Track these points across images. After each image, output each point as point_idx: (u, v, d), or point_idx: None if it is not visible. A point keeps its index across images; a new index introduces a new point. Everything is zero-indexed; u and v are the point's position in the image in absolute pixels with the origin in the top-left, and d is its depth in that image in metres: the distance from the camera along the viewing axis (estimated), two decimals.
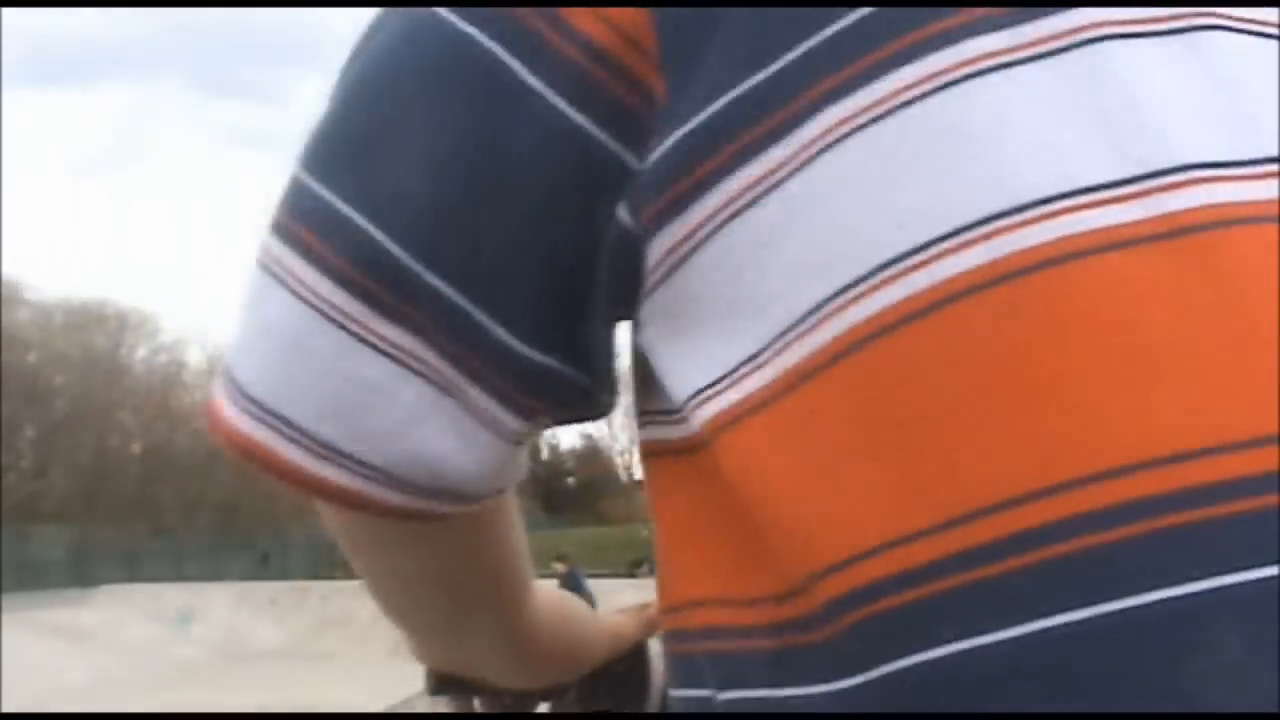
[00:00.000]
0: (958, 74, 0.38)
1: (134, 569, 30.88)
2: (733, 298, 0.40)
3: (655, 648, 0.73)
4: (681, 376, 0.42)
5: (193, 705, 12.78)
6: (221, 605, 19.62)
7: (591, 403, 0.47)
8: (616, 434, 76.10)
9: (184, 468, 46.33)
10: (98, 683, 15.04)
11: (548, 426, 0.48)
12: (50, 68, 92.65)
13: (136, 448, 47.91)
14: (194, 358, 53.04)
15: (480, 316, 0.43)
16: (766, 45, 0.40)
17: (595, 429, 76.11)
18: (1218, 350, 0.35)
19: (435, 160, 0.42)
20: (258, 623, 19.16)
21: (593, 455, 76.75)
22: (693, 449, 0.44)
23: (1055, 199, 0.36)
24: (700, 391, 0.41)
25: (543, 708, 0.70)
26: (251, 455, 0.46)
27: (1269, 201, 0.36)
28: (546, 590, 0.63)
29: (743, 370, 0.40)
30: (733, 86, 0.40)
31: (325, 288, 0.43)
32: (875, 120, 0.38)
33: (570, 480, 75.30)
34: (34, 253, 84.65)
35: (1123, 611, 0.33)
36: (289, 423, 0.44)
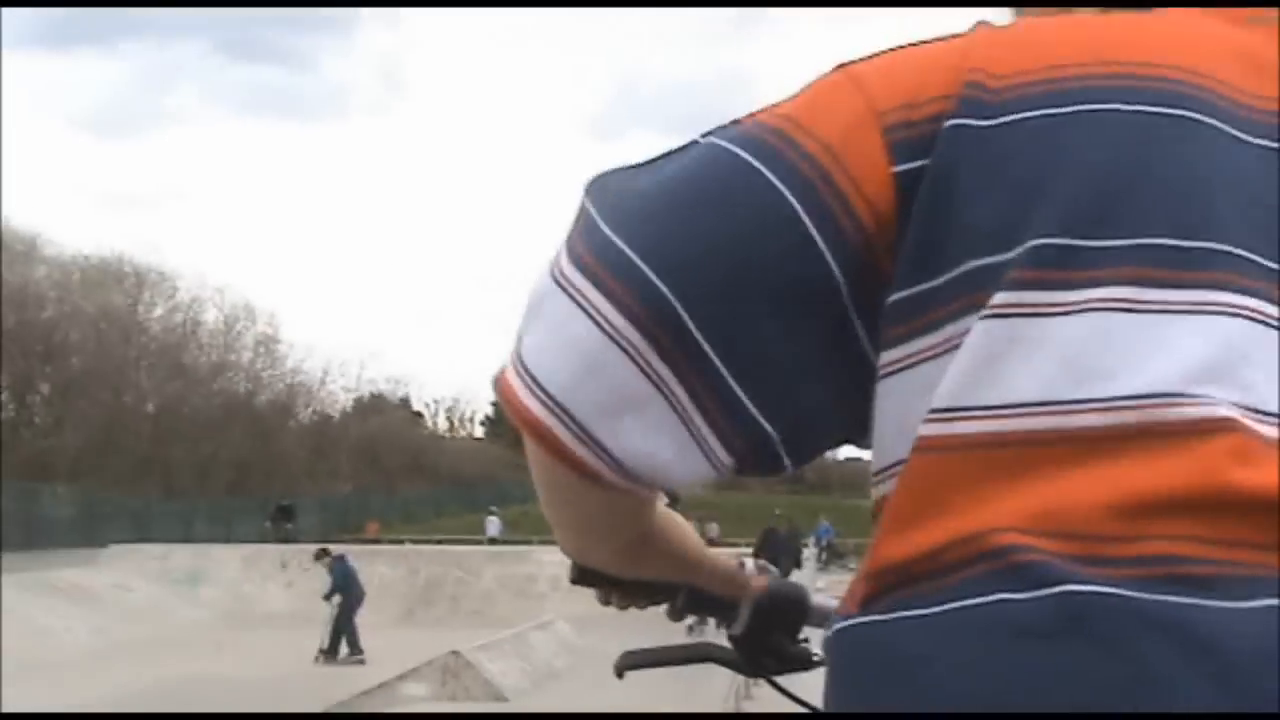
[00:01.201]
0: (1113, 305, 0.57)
1: (143, 529, 30.65)
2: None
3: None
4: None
5: (196, 668, 12.45)
6: (231, 567, 19.33)
7: (780, 467, 0.66)
8: None
9: (197, 428, 46.15)
10: (103, 643, 14.74)
11: (744, 471, 0.65)
12: (72, 29, 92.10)
13: (150, 407, 47.71)
14: (210, 317, 52.91)
15: (731, 381, 0.61)
16: (971, 245, 0.59)
17: None
18: None
19: (727, 254, 0.61)
20: (267, 586, 18.88)
21: None
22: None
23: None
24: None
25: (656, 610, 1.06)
26: (538, 433, 0.63)
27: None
28: (663, 510, 0.86)
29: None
30: (956, 267, 0.59)
31: (620, 323, 0.60)
32: (1056, 316, 0.57)
33: None
34: (53, 209, 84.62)
35: None
36: (572, 417, 0.62)
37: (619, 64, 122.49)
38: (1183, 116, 0.59)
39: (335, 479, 52.98)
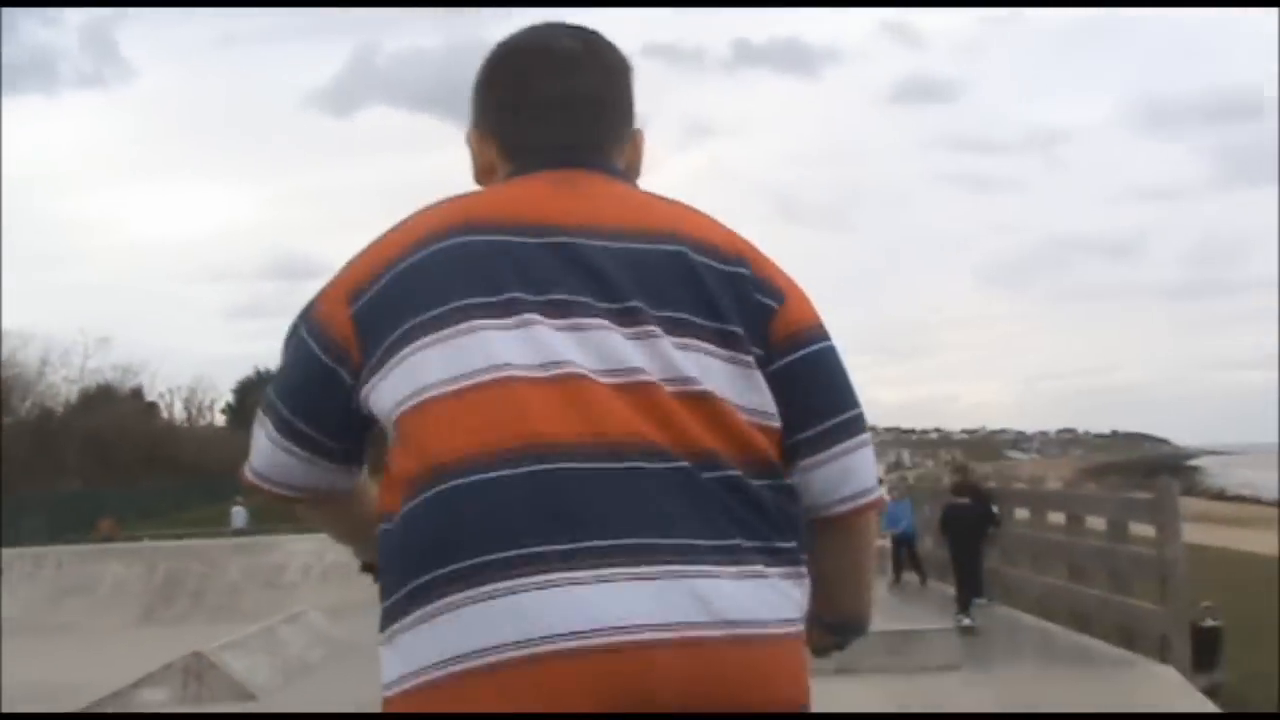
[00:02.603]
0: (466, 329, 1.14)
1: None
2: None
3: None
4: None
5: None
6: None
7: (356, 463, 1.36)
8: None
9: None
10: None
11: (349, 463, 1.34)
12: None
13: None
14: None
15: (312, 431, 1.28)
16: (387, 336, 1.17)
17: None
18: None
19: (289, 378, 1.28)
20: None
21: None
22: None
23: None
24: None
25: None
26: (259, 489, 1.34)
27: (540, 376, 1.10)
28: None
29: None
30: (381, 351, 1.17)
31: (274, 434, 1.30)
32: (429, 347, 1.14)
33: None
34: None
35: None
36: (267, 479, 1.34)
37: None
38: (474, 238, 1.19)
39: (62, 476, 49.46)
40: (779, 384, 1.17)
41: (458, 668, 1.02)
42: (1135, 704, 6.57)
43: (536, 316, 1.11)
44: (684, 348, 1.13)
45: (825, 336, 1.23)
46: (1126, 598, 9.25)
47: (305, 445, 1.27)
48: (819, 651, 1.32)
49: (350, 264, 1.23)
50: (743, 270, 1.20)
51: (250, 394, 74.49)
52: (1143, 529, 9.47)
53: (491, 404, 1.08)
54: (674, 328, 1.14)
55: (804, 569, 1.14)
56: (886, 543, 15.41)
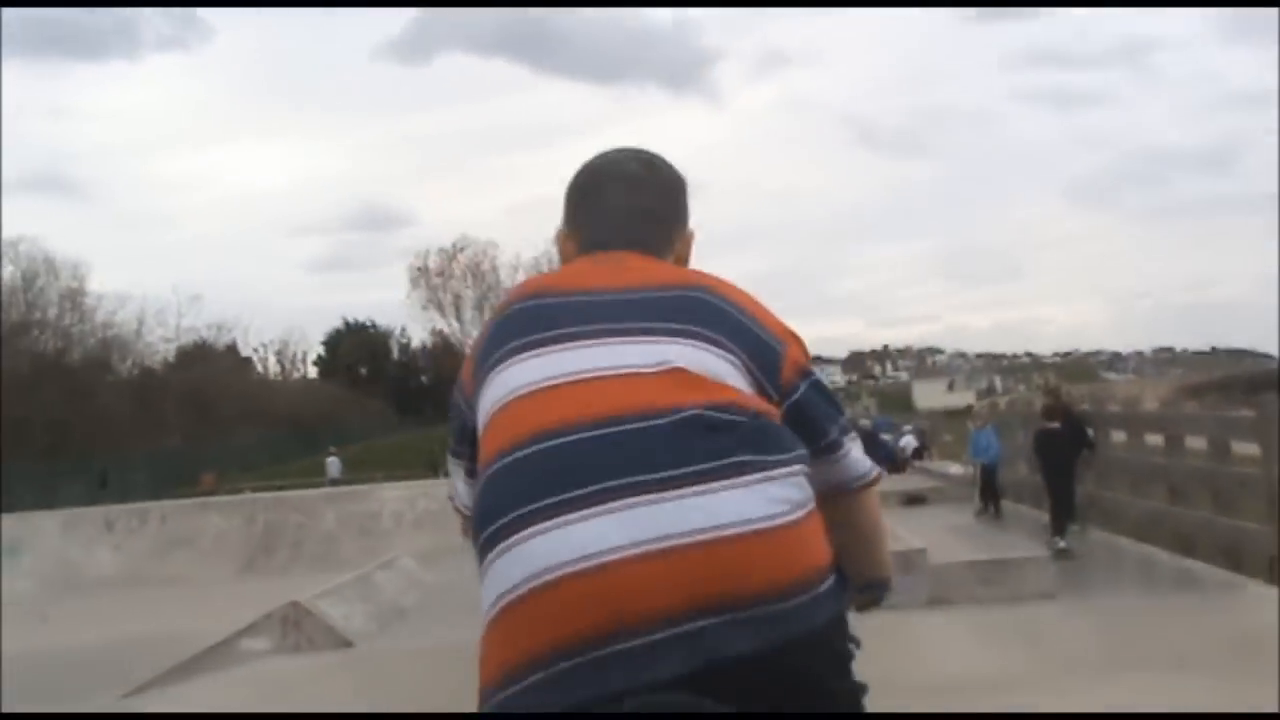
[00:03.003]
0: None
1: None
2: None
3: None
4: None
5: (28, 642, 11.80)
6: (51, 534, 18.37)
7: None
8: (468, 329, 75.07)
9: (4, 391, 43.54)
10: None
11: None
12: None
13: None
14: (6, 274, 49.68)
15: (463, 450, 1.65)
16: (478, 374, 1.56)
17: (447, 324, 74.93)
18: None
19: (450, 421, 1.71)
20: (93, 550, 18.02)
21: (444, 351, 75.57)
22: None
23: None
24: None
25: None
26: (459, 512, 1.71)
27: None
28: None
29: None
30: (477, 384, 1.55)
31: (452, 462, 1.74)
32: (489, 381, 1.52)
33: (423, 378, 74.07)
34: None
35: None
36: (455, 501, 1.75)
37: None
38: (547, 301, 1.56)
39: (163, 433, 50.94)
40: (791, 414, 1.48)
41: (493, 611, 1.30)
42: (1244, 628, 6.33)
43: (554, 347, 1.46)
44: (675, 343, 1.44)
45: (815, 373, 1.56)
46: (1232, 519, 8.94)
47: (462, 465, 1.68)
48: (861, 609, 1.66)
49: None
50: (754, 320, 1.52)
51: (340, 344, 75.82)
52: (1246, 448, 9.13)
53: (515, 412, 1.42)
54: (673, 334, 1.45)
55: (786, 469, 1.36)
56: (975, 470, 15.15)
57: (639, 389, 1.38)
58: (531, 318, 1.52)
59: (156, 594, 14.46)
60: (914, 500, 18.69)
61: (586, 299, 1.51)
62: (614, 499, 1.27)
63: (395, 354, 78.63)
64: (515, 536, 1.29)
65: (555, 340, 1.46)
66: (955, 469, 20.27)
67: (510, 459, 1.36)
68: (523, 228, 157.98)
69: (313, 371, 75.23)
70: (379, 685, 9.48)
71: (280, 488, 28.35)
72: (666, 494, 1.28)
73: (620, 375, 1.40)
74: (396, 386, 73.67)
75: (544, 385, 1.42)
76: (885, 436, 29.59)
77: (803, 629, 1.26)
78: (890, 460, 26.21)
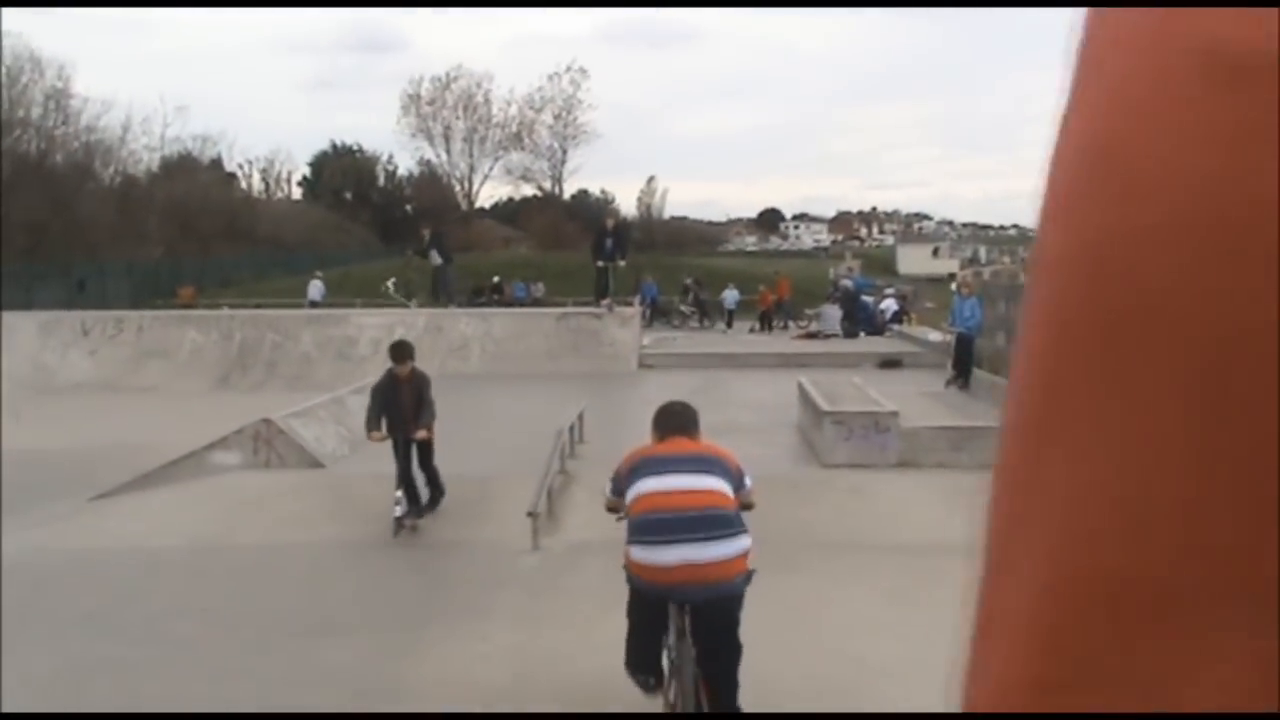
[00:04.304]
0: None
1: None
2: None
3: None
4: None
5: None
6: (27, 335, 18.29)
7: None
8: (456, 160, 74.07)
9: None
10: None
11: None
12: None
13: None
14: None
15: (621, 502, 5.71)
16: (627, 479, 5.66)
17: (435, 154, 73.83)
18: None
19: (612, 476, 5.92)
20: (68, 354, 17.98)
21: (430, 181, 74.65)
22: None
23: None
24: None
25: None
26: (613, 508, 5.73)
27: None
28: None
29: None
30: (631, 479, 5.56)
31: (618, 497, 5.80)
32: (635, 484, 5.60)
33: (408, 207, 73.32)
34: None
35: None
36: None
37: None
38: None
39: (144, 244, 50.46)
40: (738, 487, 5.23)
41: (639, 562, 5.15)
42: None
43: (660, 475, 5.19)
44: (709, 474, 5.19)
45: (743, 469, 5.40)
46: None
47: (619, 499, 5.41)
48: (745, 510, 5.30)
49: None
50: (728, 460, 5.35)
51: (325, 167, 74.77)
52: None
53: (650, 498, 5.13)
54: (705, 472, 5.21)
55: (741, 530, 5.07)
56: (949, 338, 15.16)
57: (694, 496, 5.06)
58: (647, 460, 5.27)
59: (130, 402, 14.50)
60: (890, 363, 18.79)
61: (667, 455, 5.30)
62: (684, 541, 4.95)
63: (381, 180, 77.67)
64: (652, 544, 5.01)
65: (660, 472, 5.17)
66: (934, 335, 20.33)
67: (650, 516, 5.03)
68: (519, 63, 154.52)
69: (297, 193, 74.34)
70: (347, 506, 9.59)
71: (259, 306, 28.26)
72: (703, 543, 4.95)
73: (686, 490, 5.08)
74: (381, 214, 72.95)
75: (659, 489, 5.09)
76: (866, 298, 29.64)
77: (735, 592, 5.01)
78: (869, 322, 26.42)
